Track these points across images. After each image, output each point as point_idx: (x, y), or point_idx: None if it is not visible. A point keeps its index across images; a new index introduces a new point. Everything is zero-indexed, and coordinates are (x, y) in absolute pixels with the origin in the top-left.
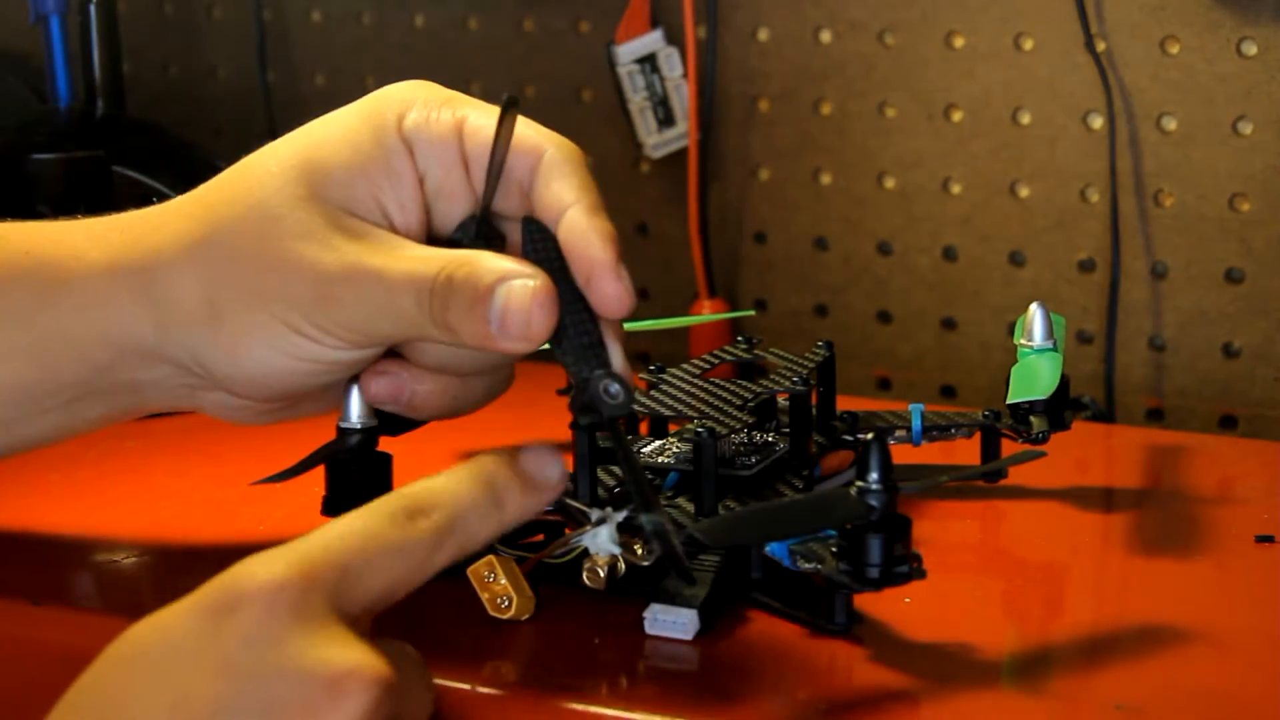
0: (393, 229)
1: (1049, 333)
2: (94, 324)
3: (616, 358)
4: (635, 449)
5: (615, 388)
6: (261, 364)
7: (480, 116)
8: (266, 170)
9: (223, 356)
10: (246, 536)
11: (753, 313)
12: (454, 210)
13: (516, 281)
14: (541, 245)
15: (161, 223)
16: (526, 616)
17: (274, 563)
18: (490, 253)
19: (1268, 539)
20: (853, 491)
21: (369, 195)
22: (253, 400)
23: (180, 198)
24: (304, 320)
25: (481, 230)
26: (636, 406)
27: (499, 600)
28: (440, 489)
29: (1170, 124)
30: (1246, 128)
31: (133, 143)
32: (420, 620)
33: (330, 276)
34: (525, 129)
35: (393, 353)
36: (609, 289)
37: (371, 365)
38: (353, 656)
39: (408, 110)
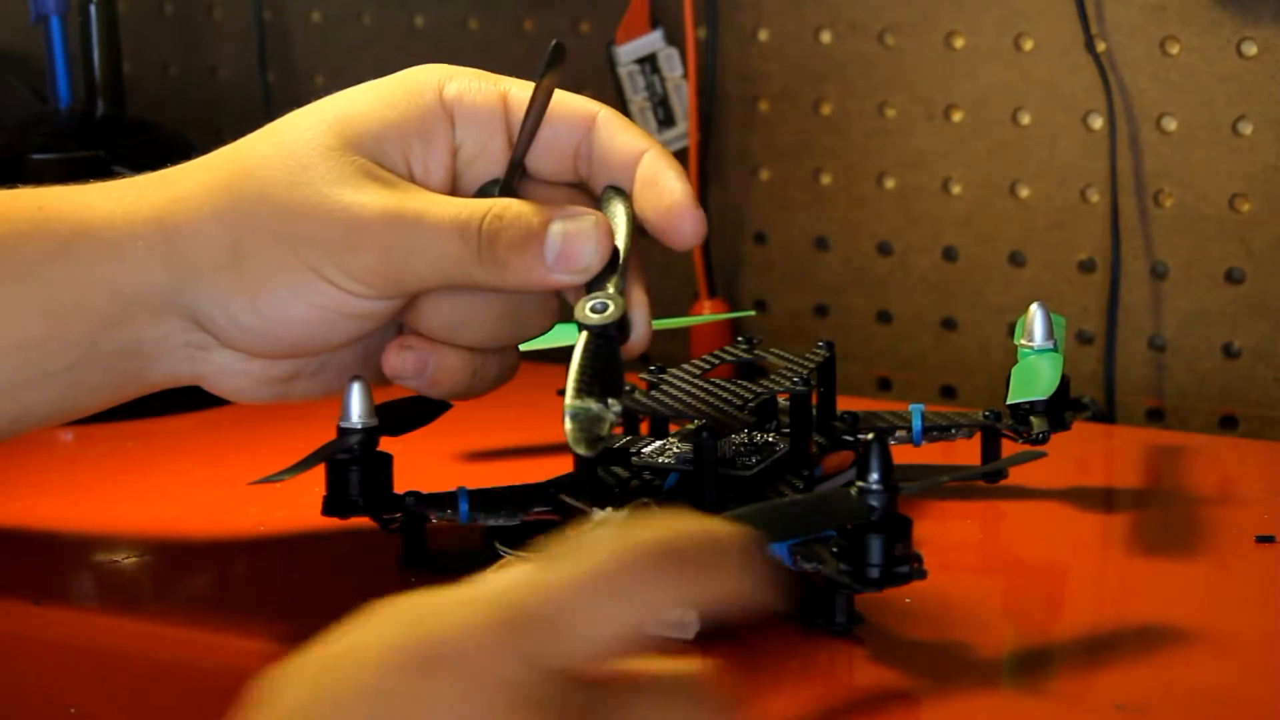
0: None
1: (1049, 333)
2: (104, 276)
3: (638, 296)
4: (636, 448)
5: (603, 305)
6: (281, 310)
7: (523, 90)
8: (296, 125)
9: (244, 302)
10: (247, 537)
11: (753, 313)
12: (489, 174)
13: (573, 219)
14: (615, 206)
15: (182, 174)
16: None
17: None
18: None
19: (1268, 539)
20: (853, 492)
21: (398, 153)
22: (262, 355)
23: (205, 156)
24: (333, 266)
25: (506, 190)
26: (636, 406)
27: None
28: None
29: (1170, 124)
30: (1246, 128)
31: (133, 143)
32: None
33: (366, 221)
34: (572, 97)
35: (414, 330)
36: (687, 216)
37: (396, 340)
38: None
39: (449, 80)
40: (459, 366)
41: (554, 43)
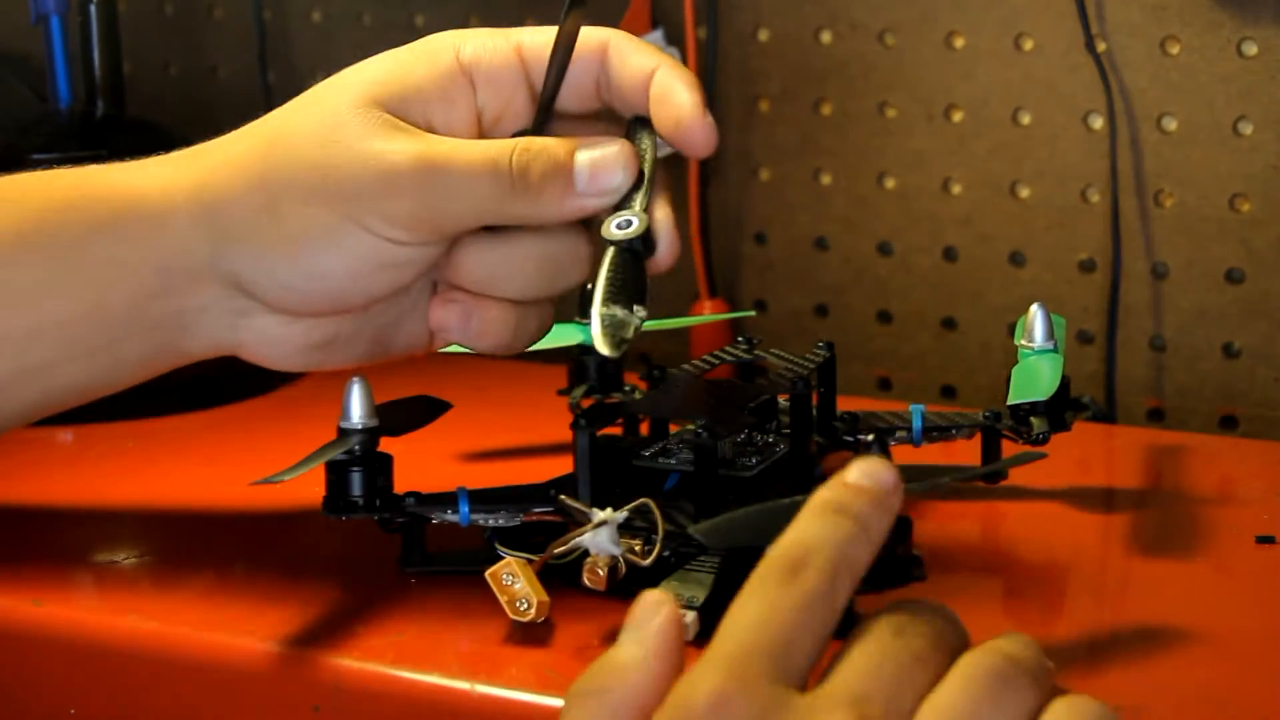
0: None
1: (1049, 334)
2: (146, 251)
3: (661, 206)
4: (636, 449)
5: (628, 222)
6: (321, 264)
7: (538, 35)
8: (322, 93)
9: (284, 260)
10: (247, 537)
11: (752, 313)
12: (517, 128)
13: (598, 145)
14: (641, 133)
15: (215, 147)
16: (543, 619)
17: (708, 677)
18: None
19: (1268, 539)
20: None
21: (420, 113)
22: (304, 314)
23: (233, 131)
24: (370, 214)
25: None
26: (636, 407)
27: (518, 603)
28: (804, 537)
29: (1170, 124)
30: (1246, 128)
31: (133, 143)
32: (420, 620)
33: (399, 167)
34: (582, 30)
35: (453, 286)
36: (697, 125)
37: (440, 294)
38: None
39: (464, 43)
40: (500, 319)
41: (569, 1)
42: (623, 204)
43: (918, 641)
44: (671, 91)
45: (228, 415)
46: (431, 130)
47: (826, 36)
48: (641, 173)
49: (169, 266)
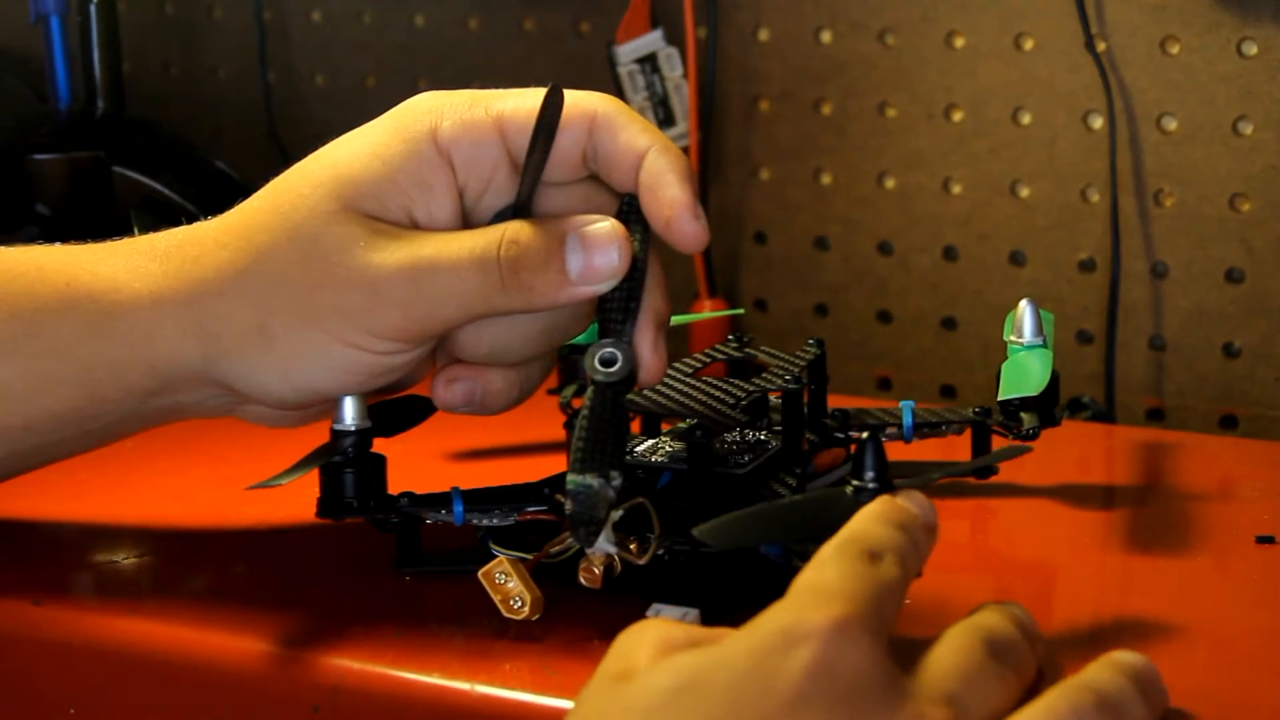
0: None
1: (1039, 329)
2: (141, 355)
3: (645, 335)
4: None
5: (612, 358)
6: (314, 381)
7: (517, 104)
8: (297, 193)
9: (276, 378)
10: (245, 537)
11: (742, 311)
12: (501, 204)
13: (591, 226)
14: (633, 216)
15: (200, 253)
16: (538, 617)
17: (830, 605)
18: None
19: (1268, 539)
20: (849, 490)
21: (399, 206)
22: (298, 410)
23: (211, 223)
24: (358, 331)
25: (520, 214)
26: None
27: (512, 601)
28: (872, 535)
29: (1170, 124)
30: (1246, 128)
31: (133, 143)
32: (418, 620)
33: (383, 280)
34: (570, 98)
35: (455, 360)
36: (687, 227)
37: (442, 372)
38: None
39: (440, 120)
40: (505, 385)
41: (552, 86)
42: (614, 315)
43: (1009, 655)
44: (662, 183)
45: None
46: (411, 220)
47: (826, 36)
48: (637, 290)
49: (162, 370)
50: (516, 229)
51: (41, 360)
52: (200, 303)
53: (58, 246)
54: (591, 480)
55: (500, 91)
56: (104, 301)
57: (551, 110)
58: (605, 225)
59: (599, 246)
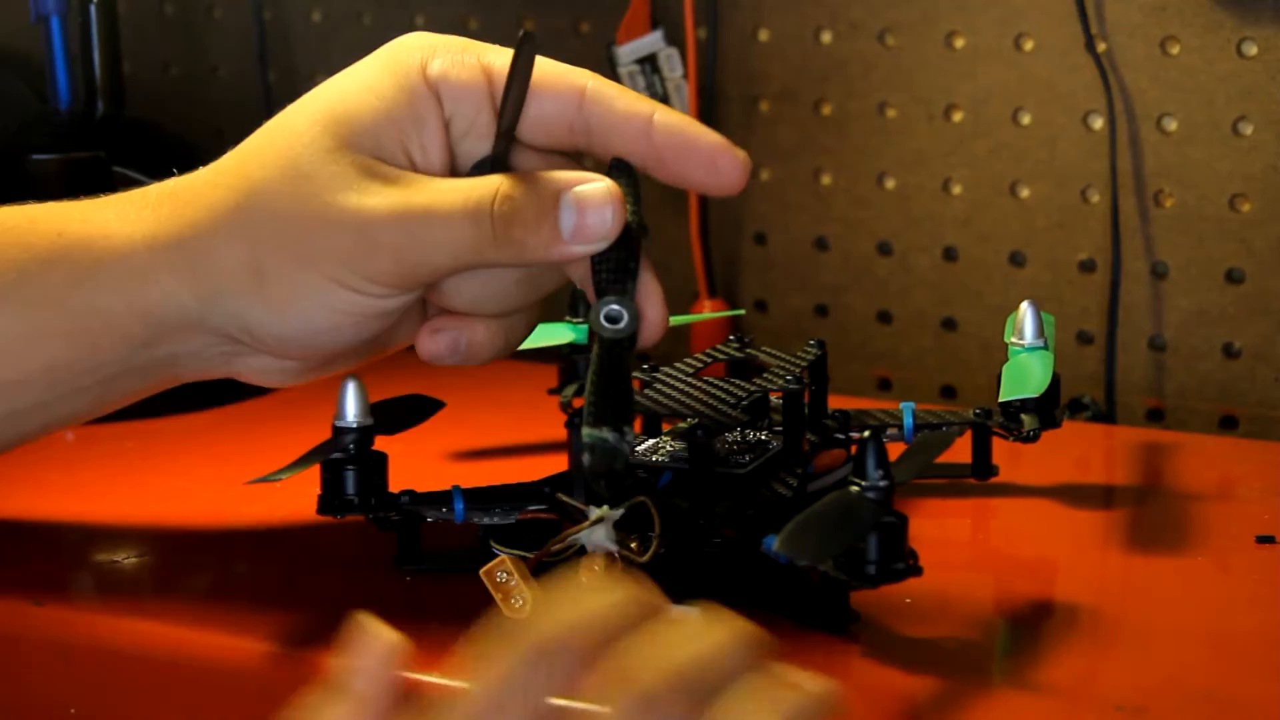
0: (416, 172)
1: (1040, 331)
2: (133, 301)
3: (650, 289)
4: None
5: (618, 314)
6: (308, 321)
7: (506, 59)
8: (293, 130)
9: (271, 319)
10: (246, 537)
11: (742, 311)
12: (480, 149)
13: (585, 185)
14: (623, 180)
15: (193, 195)
16: None
17: None
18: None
19: (1268, 539)
20: (852, 490)
21: (395, 142)
22: (293, 358)
23: (209, 167)
24: (351, 273)
25: (498, 167)
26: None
27: (514, 599)
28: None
29: (1170, 124)
30: (1246, 128)
31: (133, 143)
32: (421, 619)
33: (376, 224)
34: (556, 67)
35: (440, 309)
36: (732, 162)
37: (427, 323)
38: None
39: (431, 57)
40: (489, 336)
41: (522, 32)
42: (612, 275)
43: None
44: (688, 134)
45: (227, 415)
46: (408, 157)
47: (826, 36)
48: (634, 252)
49: (155, 316)
50: (511, 184)
51: (34, 310)
52: (193, 244)
53: (50, 203)
54: (607, 434)
55: (495, 46)
56: (95, 249)
57: (525, 55)
58: (600, 185)
59: (593, 206)
